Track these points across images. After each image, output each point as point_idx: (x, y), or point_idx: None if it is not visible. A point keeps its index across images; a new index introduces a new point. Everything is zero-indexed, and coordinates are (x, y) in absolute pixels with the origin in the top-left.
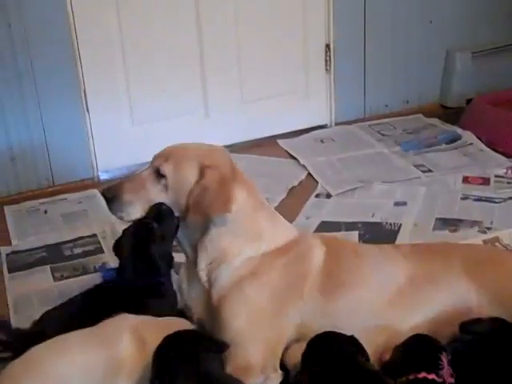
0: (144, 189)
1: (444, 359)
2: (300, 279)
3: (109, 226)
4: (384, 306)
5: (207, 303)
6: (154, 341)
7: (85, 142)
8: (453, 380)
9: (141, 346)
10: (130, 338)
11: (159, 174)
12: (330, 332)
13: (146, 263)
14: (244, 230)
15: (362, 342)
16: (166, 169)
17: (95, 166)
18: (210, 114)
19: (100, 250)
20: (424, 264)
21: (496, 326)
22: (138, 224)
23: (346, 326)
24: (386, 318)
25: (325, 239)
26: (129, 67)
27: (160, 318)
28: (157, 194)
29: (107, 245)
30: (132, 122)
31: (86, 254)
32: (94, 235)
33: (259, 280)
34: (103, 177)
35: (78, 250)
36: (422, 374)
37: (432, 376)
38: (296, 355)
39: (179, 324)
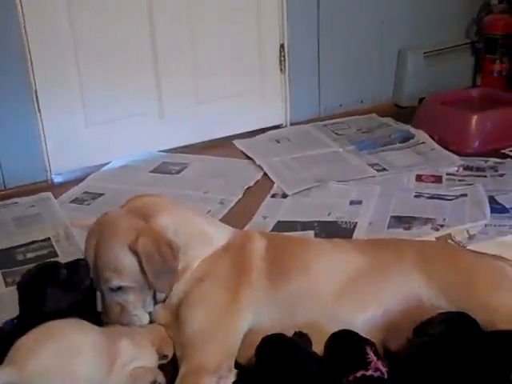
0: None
1: (370, 352)
2: (246, 269)
3: (62, 230)
4: (333, 295)
5: (170, 312)
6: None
7: (37, 144)
8: (385, 370)
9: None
10: (127, 342)
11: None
12: (276, 335)
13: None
14: (192, 238)
15: (314, 335)
16: (115, 281)
17: (48, 168)
18: (164, 115)
19: (54, 254)
20: (375, 256)
21: (448, 325)
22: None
23: (297, 318)
24: (337, 309)
25: (265, 232)
26: (81, 67)
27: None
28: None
29: (61, 248)
30: (86, 123)
31: (39, 258)
32: (48, 239)
33: (211, 278)
34: (57, 179)
35: (31, 255)
36: (360, 373)
37: (370, 372)
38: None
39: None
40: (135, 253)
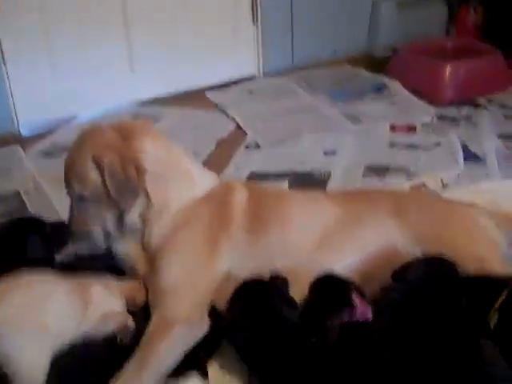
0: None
1: (355, 298)
2: (225, 220)
3: (32, 182)
4: (311, 246)
5: (147, 257)
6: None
7: (3, 96)
8: (371, 315)
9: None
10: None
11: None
12: (255, 280)
13: None
14: (173, 176)
15: (292, 286)
16: (78, 190)
17: (16, 120)
18: (134, 67)
19: (23, 207)
20: (351, 206)
21: (427, 269)
22: None
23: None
24: (315, 258)
25: (246, 184)
26: (48, 18)
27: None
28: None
29: (31, 201)
30: (53, 75)
31: (9, 212)
32: (17, 193)
33: (190, 227)
34: (25, 132)
35: (0, 208)
36: (345, 316)
37: (353, 317)
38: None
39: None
40: (98, 165)
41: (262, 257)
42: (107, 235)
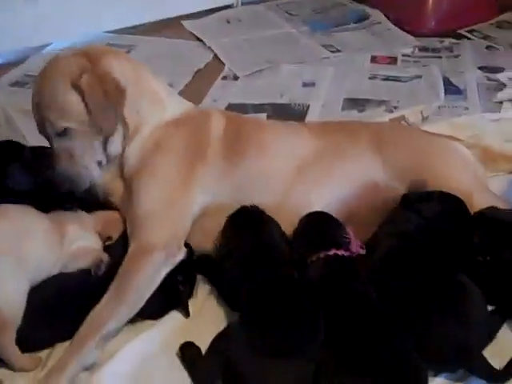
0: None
1: (350, 232)
2: (202, 146)
3: (3, 114)
4: (289, 178)
5: (122, 184)
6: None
7: None
8: (363, 251)
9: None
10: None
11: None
12: (247, 207)
13: None
14: (142, 95)
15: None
16: (59, 123)
17: None
18: None
19: None
20: (331, 139)
21: (444, 207)
22: None
23: (252, 200)
24: (294, 192)
25: (224, 111)
26: None
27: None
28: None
29: (1, 133)
30: (25, 3)
31: None
32: None
33: (164, 150)
34: None
35: None
36: (333, 251)
37: (342, 252)
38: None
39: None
40: (78, 89)
41: (238, 186)
42: (98, 165)
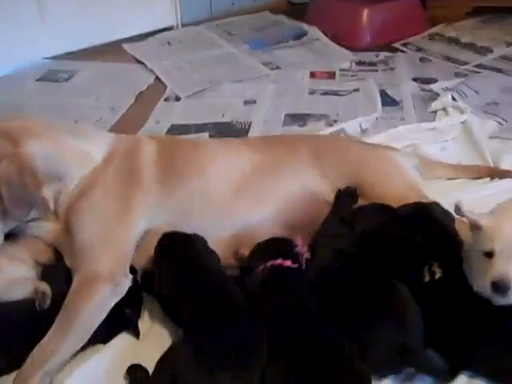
0: None
1: (298, 242)
2: (135, 173)
3: None
4: (229, 196)
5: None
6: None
7: None
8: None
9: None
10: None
11: None
12: (175, 232)
13: None
14: (66, 163)
15: (213, 237)
16: None
17: None
18: (46, 20)
19: None
20: (270, 153)
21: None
22: None
23: (194, 222)
24: (234, 209)
25: (155, 137)
26: None
27: None
28: None
29: None
30: None
31: None
32: None
33: (98, 186)
34: None
35: None
36: (279, 261)
37: (288, 263)
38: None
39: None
40: None
41: (179, 208)
42: None
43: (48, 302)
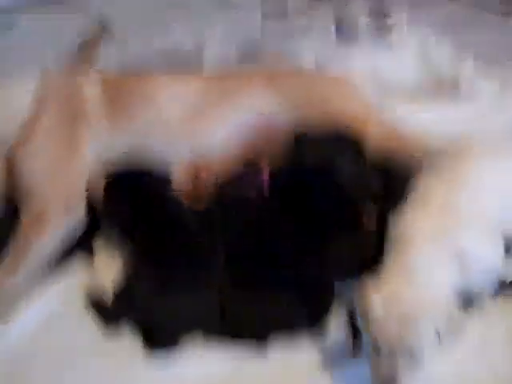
0: None
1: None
2: (77, 110)
3: None
4: (183, 122)
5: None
6: None
7: None
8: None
9: None
10: None
11: None
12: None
13: None
14: None
15: (171, 165)
16: None
17: None
18: None
19: None
20: (221, 80)
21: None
22: None
23: (149, 151)
24: (187, 136)
25: (99, 74)
26: None
27: None
28: None
29: None
30: None
31: None
32: None
33: (40, 136)
34: None
35: None
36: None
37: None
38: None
39: None
40: None
41: (132, 140)
42: None
43: None
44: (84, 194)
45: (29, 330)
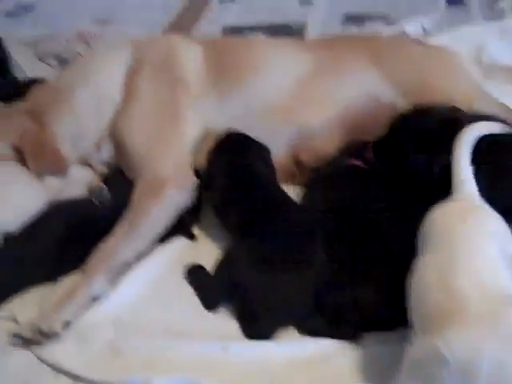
0: None
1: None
2: (176, 77)
3: None
4: (287, 99)
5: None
6: None
7: None
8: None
9: None
10: None
11: None
12: (234, 133)
13: None
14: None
15: (272, 142)
16: None
17: None
18: None
19: None
20: (328, 55)
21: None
22: None
23: (252, 126)
24: (293, 112)
25: (196, 39)
26: None
27: None
28: None
29: None
30: None
31: None
32: None
33: (139, 94)
34: None
35: None
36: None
37: (359, 162)
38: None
39: None
40: (18, 150)
41: (236, 111)
42: None
43: (106, 195)
44: (189, 164)
45: (130, 299)
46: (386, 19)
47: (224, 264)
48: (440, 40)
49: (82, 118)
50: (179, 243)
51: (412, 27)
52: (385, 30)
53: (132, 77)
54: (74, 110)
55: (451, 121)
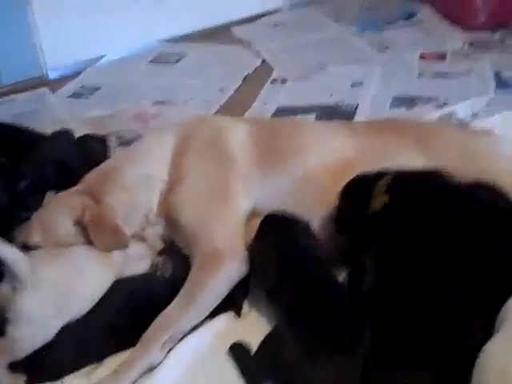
0: None
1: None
2: (223, 154)
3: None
4: (331, 180)
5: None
6: None
7: (30, 39)
8: None
9: None
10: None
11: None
12: (278, 213)
13: None
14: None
15: (310, 219)
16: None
17: (43, 64)
18: (159, 2)
19: None
20: (375, 138)
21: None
22: None
23: (295, 201)
24: (335, 193)
25: (244, 119)
26: None
27: None
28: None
29: None
30: (79, 14)
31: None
32: None
33: (188, 184)
34: (53, 75)
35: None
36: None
37: None
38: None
39: None
40: (82, 227)
41: (281, 190)
42: None
43: (168, 270)
44: (243, 240)
45: (176, 370)
46: (436, 102)
47: (270, 339)
48: (488, 123)
49: (133, 195)
50: (222, 319)
51: (461, 110)
52: (434, 113)
53: (179, 156)
54: (124, 188)
55: None
